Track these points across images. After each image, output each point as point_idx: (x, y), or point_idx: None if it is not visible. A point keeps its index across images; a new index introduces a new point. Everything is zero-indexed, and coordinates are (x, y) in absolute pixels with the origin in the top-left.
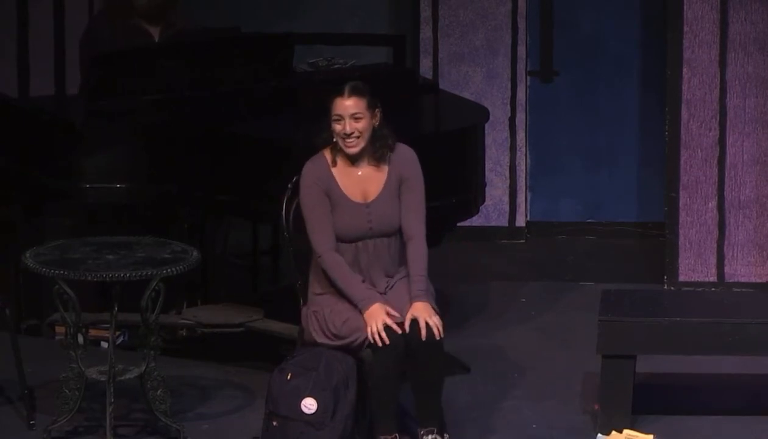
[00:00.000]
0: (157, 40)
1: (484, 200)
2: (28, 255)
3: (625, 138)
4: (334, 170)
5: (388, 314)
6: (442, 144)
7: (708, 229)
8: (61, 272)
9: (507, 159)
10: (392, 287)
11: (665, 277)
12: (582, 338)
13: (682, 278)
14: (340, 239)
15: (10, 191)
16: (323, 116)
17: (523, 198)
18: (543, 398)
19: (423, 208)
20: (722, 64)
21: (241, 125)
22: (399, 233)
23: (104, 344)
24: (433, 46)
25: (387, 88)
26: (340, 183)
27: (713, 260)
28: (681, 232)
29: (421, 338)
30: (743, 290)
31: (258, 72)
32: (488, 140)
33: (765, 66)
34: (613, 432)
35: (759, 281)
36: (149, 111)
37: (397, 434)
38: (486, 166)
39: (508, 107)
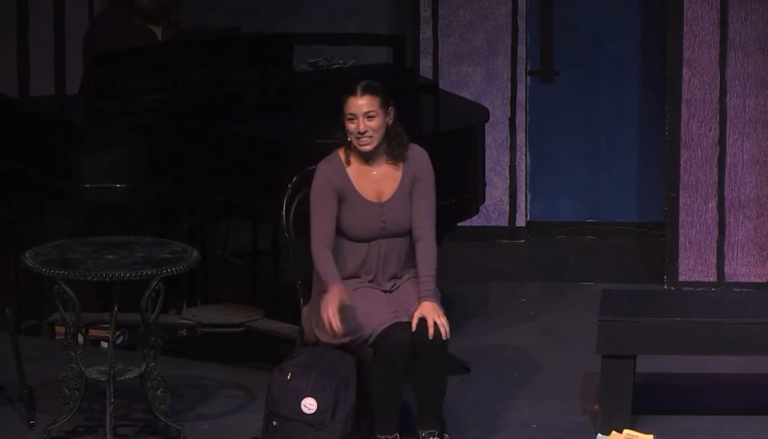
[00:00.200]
0: (160, 40)
1: (484, 200)
2: (28, 255)
3: (625, 138)
4: (348, 170)
5: (340, 308)
6: (442, 144)
7: (708, 229)
8: (61, 272)
9: (507, 159)
10: (398, 287)
11: (665, 277)
12: (582, 338)
13: (682, 278)
14: (352, 238)
15: (10, 191)
16: (323, 116)
17: (523, 198)
18: (543, 398)
19: (434, 209)
20: (722, 64)
21: (241, 125)
22: (409, 233)
23: (104, 344)
24: (433, 46)
25: (387, 88)
26: (354, 183)
27: (713, 260)
28: (681, 232)
29: (427, 338)
30: (743, 290)
31: (258, 72)
32: (488, 140)
33: (765, 66)
34: (613, 432)
35: (759, 281)
36: (149, 111)
37: (397, 435)
38: (486, 166)
39: (508, 107)
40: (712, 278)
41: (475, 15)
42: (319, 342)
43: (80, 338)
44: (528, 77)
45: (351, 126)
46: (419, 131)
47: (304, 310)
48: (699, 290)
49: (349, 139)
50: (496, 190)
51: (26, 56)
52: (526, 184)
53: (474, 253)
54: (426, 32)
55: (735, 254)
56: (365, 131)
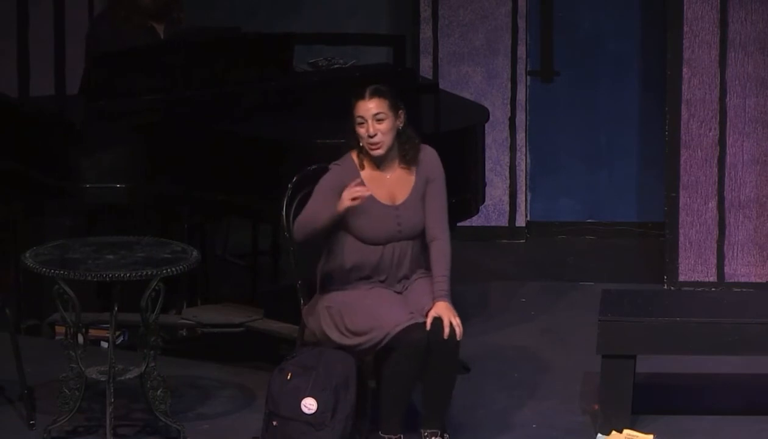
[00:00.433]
0: (162, 38)
1: (484, 200)
2: (28, 255)
3: (625, 138)
4: (363, 174)
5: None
6: (442, 144)
7: (708, 229)
8: (61, 272)
9: (507, 159)
10: (407, 287)
11: (665, 277)
12: (582, 338)
13: (682, 278)
14: (368, 242)
15: (10, 191)
16: (323, 116)
17: (523, 198)
18: (543, 398)
19: (446, 209)
20: (722, 64)
21: (241, 125)
22: (422, 235)
23: (104, 344)
24: (433, 46)
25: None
26: (370, 187)
27: (713, 260)
28: (681, 232)
29: (441, 338)
30: (743, 290)
31: (258, 72)
32: (488, 140)
33: (765, 66)
34: (613, 432)
35: (759, 281)
36: (149, 111)
37: (401, 435)
38: (486, 166)
39: (508, 107)
40: (712, 278)
41: (475, 15)
42: (321, 342)
43: (80, 338)
44: (528, 77)
45: (361, 130)
46: (419, 131)
47: (307, 309)
48: (699, 290)
49: (361, 143)
50: (496, 190)
51: (26, 56)
52: (526, 184)
53: (474, 253)
54: (426, 32)
55: (735, 254)
56: (375, 134)
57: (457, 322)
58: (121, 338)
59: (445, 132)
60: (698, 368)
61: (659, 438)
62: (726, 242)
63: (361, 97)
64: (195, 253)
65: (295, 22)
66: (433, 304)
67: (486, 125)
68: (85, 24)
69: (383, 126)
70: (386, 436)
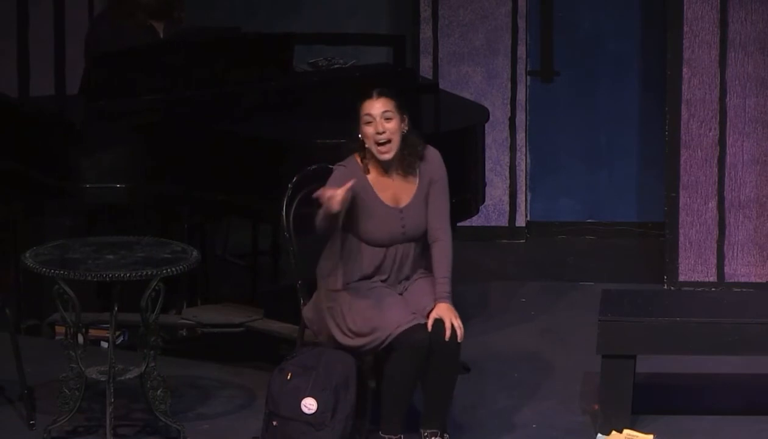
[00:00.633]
0: (162, 37)
1: (484, 200)
2: (28, 255)
3: (625, 138)
4: (369, 177)
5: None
6: (442, 144)
7: (708, 229)
8: (61, 272)
9: (507, 159)
10: (407, 288)
11: (665, 277)
12: (582, 338)
13: (682, 278)
14: (372, 244)
15: (10, 191)
16: (323, 116)
17: (523, 198)
18: (543, 398)
19: (449, 210)
20: (722, 64)
21: (241, 125)
22: (424, 236)
23: (104, 344)
24: (433, 46)
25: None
26: (375, 189)
27: (713, 260)
28: (681, 232)
29: (442, 339)
30: (743, 290)
31: (258, 72)
32: (488, 140)
33: (765, 66)
34: (613, 432)
35: (759, 281)
36: (149, 111)
37: (402, 436)
38: (486, 166)
39: (508, 107)
40: (712, 278)
41: (475, 15)
42: (321, 342)
43: (80, 338)
44: (528, 77)
45: (369, 129)
46: (419, 131)
47: (307, 308)
48: (699, 290)
49: (367, 145)
50: (496, 190)
51: (26, 56)
52: (526, 184)
53: (474, 253)
54: (426, 32)
55: (735, 254)
56: (384, 132)
57: (458, 324)
58: (121, 338)
59: (445, 132)
60: (698, 368)
61: (659, 438)
62: (726, 241)
63: (368, 96)
64: (195, 253)
65: (295, 22)
66: (435, 305)
67: (486, 125)
68: (85, 24)
69: (391, 125)
70: (386, 436)
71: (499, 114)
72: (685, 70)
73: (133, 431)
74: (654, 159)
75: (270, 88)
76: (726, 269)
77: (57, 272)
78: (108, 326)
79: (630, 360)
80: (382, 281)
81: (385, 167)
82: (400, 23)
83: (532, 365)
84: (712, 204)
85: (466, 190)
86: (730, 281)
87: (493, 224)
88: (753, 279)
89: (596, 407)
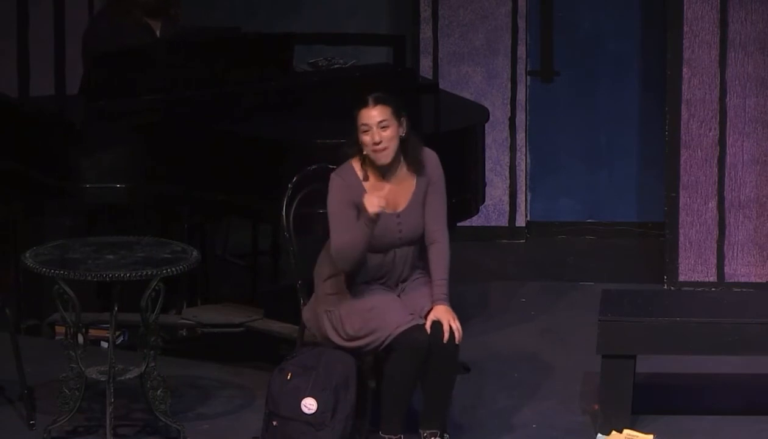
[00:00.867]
0: (158, 35)
1: (484, 200)
2: (28, 255)
3: (625, 138)
4: (366, 185)
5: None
6: (442, 144)
7: (708, 229)
8: (61, 272)
9: (507, 159)
10: (405, 289)
11: (665, 277)
12: (582, 338)
13: (682, 278)
14: (369, 250)
15: (10, 191)
16: (323, 116)
17: (523, 198)
18: (543, 398)
19: (446, 212)
20: (722, 64)
21: (241, 125)
22: (421, 238)
23: (104, 344)
24: (433, 46)
25: (387, 88)
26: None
27: (713, 260)
28: (681, 232)
29: (441, 340)
30: (743, 290)
31: (258, 72)
32: (488, 140)
33: (765, 66)
34: (613, 432)
35: (759, 281)
36: (149, 111)
37: (402, 436)
38: (486, 166)
39: (508, 107)
40: (712, 278)
41: (475, 15)
42: (322, 342)
43: (80, 338)
44: (528, 77)
45: (366, 138)
46: (419, 131)
47: (308, 309)
48: (699, 290)
49: (365, 152)
50: (496, 190)
51: (26, 56)
52: (526, 184)
53: (474, 253)
54: (426, 32)
55: (735, 254)
56: (380, 141)
57: (456, 325)
58: (121, 338)
59: (445, 132)
60: (698, 368)
61: (659, 438)
62: (726, 241)
63: (365, 104)
64: (195, 253)
65: (295, 22)
66: (433, 307)
67: (486, 125)
68: (85, 24)
69: (388, 133)
70: (386, 436)
71: (499, 114)
72: (685, 70)
73: (133, 431)
74: (654, 159)
75: (270, 88)
76: (726, 269)
77: (57, 272)
78: (108, 326)
79: (630, 360)
80: (380, 284)
81: (383, 172)
82: (400, 23)
83: (532, 365)
84: (712, 204)
85: (466, 191)
86: (730, 281)
87: (493, 224)
88: (753, 279)
89: (596, 407)
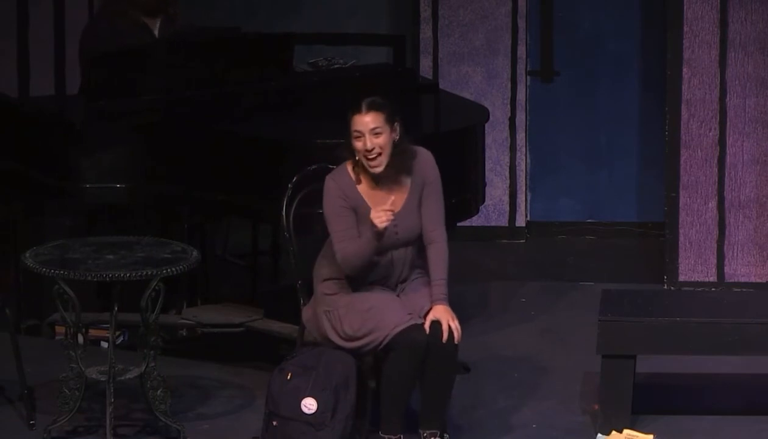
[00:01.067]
0: (156, 34)
1: (484, 200)
2: (28, 255)
3: (625, 138)
4: (359, 188)
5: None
6: (442, 144)
7: (708, 229)
8: (61, 272)
9: (507, 159)
10: (404, 289)
11: (665, 277)
12: (582, 338)
13: (682, 278)
14: None
15: (10, 191)
16: (323, 116)
17: (523, 198)
18: (543, 398)
19: (443, 211)
20: (722, 64)
21: (241, 125)
22: (419, 239)
23: (104, 344)
24: (433, 46)
25: (387, 88)
26: (367, 199)
27: (713, 260)
28: (681, 232)
29: (440, 340)
30: (743, 290)
31: (258, 72)
32: (488, 140)
33: (765, 66)
34: (613, 432)
35: (759, 281)
36: (149, 111)
37: (401, 436)
38: (486, 166)
39: (508, 107)
40: (712, 278)
41: (475, 15)
42: (321, 342)
43: (80, 338)
44: (528, 77)
45: (358, 144)
46: (419, 131)
47: (308, 309)
48: (699, 290)
49: (357, 158)
50: (496, 190)
51: (26, 56)
52: (526, 184)
53: (474, 253)
54: (426, 32)
55: (735, 254)
56: (372, 148)
57: (455, 325)
58: (121, 338)
59: (445, 132)
60: (698, 368)
61: (659, 438)
62: (726, 241)
63: (358, 111)
64: (195, 253)
65: (295, 22)
66: (432, 307)
67: (486, 125)
68: (85, 23)
69: (380, 140)
70: (386, 436)
71: (499, 114)
72: (685, 70)
73: (133, 431)
74: (654, 159)
75: (270, 88)
76: (726, 269)
77: (57, 272)
78: (108, 326)
79: (630, 360)
80: (380, 285)
81: (377, 176)
82: (400, 23)
83: (532, 365)
84: (712, 204)
85: (466, 190)
86: (730, 281)
87: (493, 224)
88: (753, 279)
89: (596, 407)
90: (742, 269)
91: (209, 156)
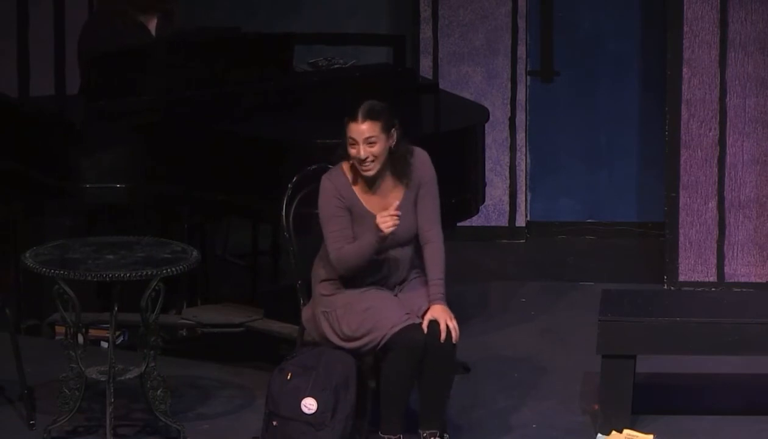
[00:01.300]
0: (154, 33)
1: (484, 200)
2: (28, 255)
3: (625, 138)
4: (355, 188)
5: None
6: (442, 144)
7: (708, 229)
8: (61, 272)
9: (507, 159)
10: (402, 290)
11: (665, 277)
12: (582, 338)
13: (682, 278)
14: None
15: (10, 191)
16: (323, 116)
17: (523, 198)
18: (543, 398)
19: (439, 211)
20: (722, 64)
21: (241, 125)
22: (415, 239)
23: (104, 344)
24: (433, 46)
25: (387, 88)
26: (362, 200)
27: (713, 260)
28: (681, 232)
29: (438, 340)
30: (743, 290)
31: (258, 72)
32: (488, 140)
33: (765, 66)
34: (613, 432)
35: (759, 281)
36: (149, 111)
37: (401, 436)
38: (486, 166)
39: (508, 107)
40: (712, 278)
41: (475, 15)
42: (321, 343)
43: (80, 338)
44: (528, 77)
45: (352, 151)
46: (419, 131)
47: (307, 310)
48: (699, 290)
49: (351, 162)
50: (496, 190)
51: (26, 56)
52: (526, 184)
53: (474, 253)
54: (426, 32)
55: (735, 254)
56: (366, 158)
57: (453, 325)
58: (121, 338)
59: (445, 132)
60: (698, 368)
61: (659, 438)
62: (726, 241)
63: (354, 118)
64: (195, 253)
65: (295, 22)
66: (429, 307)
67: (486, 125)
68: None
69: (375, 149)
70: (386, 436)
71: (499, 114)
72: (685, 70)
73: (133, 431)
74: (654, 159)
75: (270, 88)
76: (726, 269)
77: (57, 272)
78: (108, 326)
79: (630, 360)
80: (377, 285)
81: (373, 180)
82: (400, 23)
83: (532, 365)
84: (712, 204)
85: (466, 190)
86: (730, 281)
87: (493, 224)
88: (753, 279)
89: (596, 407)
90: (742, 269)
91: (209, 156)
